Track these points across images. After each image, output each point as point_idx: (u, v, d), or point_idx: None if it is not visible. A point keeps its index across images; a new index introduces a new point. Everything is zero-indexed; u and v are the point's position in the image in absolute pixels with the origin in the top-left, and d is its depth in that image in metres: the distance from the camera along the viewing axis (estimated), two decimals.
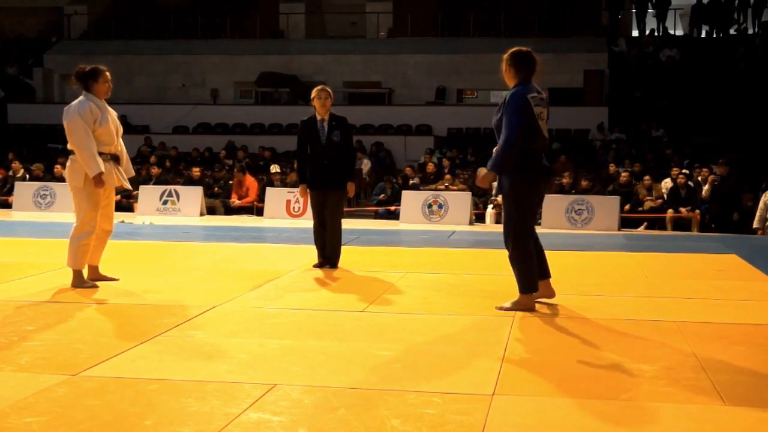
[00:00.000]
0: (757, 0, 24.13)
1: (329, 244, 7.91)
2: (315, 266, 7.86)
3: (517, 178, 5.64)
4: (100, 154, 6.45)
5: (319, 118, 7.85)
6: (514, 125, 5.55)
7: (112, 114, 6.65)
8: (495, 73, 21.69)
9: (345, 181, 7.88)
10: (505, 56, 5.86)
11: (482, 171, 5.87)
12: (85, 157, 6.37)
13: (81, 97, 6.52)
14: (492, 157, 5.70)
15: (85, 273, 6.73)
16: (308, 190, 7.95)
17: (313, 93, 7.90)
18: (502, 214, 5.80)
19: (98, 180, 6.40)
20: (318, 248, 7.95)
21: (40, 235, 10.67)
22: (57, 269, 7.52)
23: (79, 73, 6.54)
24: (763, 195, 13.47)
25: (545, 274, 6.03)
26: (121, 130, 6.73)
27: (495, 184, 5.91)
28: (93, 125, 6.43)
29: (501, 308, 5.86)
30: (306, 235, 10.80)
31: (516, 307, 5.83)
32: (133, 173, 7.05)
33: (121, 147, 6.75)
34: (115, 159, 6.66)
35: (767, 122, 20.02)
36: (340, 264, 7.93)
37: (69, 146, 6.52)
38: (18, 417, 3.57)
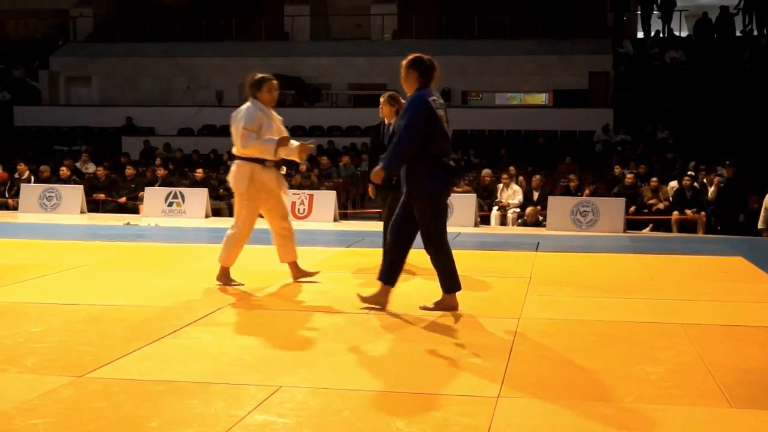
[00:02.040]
0: (763, 2, 24.07)
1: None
2: None
3: (430, 184, 5.69)
4: (265, 160, 6.59)
5: (386, 122, 8.16)
6: (413, 125, 5.63)
7: (278, 121, 6.76)
8: (500, 75, 21.78)
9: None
10: (404, 63, 5.89)
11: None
12: (258, 148, 6.52)
13: (248, 103, 6.66)
14: (386, 154, 5.76)
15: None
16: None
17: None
18: (417, 219, 5.81)
19: (281, 143, 6.54)
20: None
21: (46, 237, 10.69)
22: (63, 271, 7.54)
23: (248, 82, 6.73)
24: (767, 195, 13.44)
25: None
26: (285, 135, 6.80)
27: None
28: (258, 132, 6.56)
29: (425, 308, 5.90)
30: (310, 237, 10.81)
31: (439, 306, 5.88)
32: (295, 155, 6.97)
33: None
34: (278, 166, 6.78)
35: None
36: (343, 267, 7.94)
37: (234, 151, 6.69)
38: (24, 419, 3.58)
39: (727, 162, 15.21)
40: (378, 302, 5.89)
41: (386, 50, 25.16)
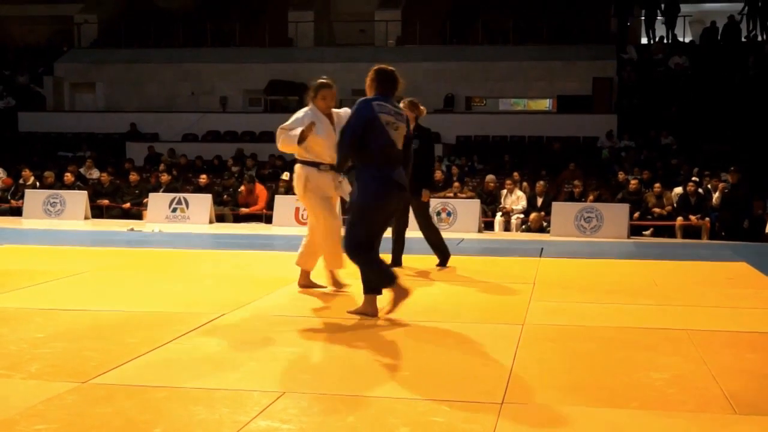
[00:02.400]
0: (765, 8, 24.03)
1: (434, 247, 8.51)
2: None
3: (367, 193, 5.63)
4: (320, 164, 6.63)
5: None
6: (349, 127, 5.68)
7: (338, 124, 6.66)
8: (504, 80, 21.81)
9: (421, 188, 8.31)
10: (370, 72, 5.93)
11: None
12: (284, 142, 6.61)
13: (307, 107, 6.76)
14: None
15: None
16: None
17: None
18: (346, 222, 5.81)
19: (307, 130, 6.49)
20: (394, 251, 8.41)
21: (50, 243, 10.70)
22: (67, 276, 7.55)
23: (311, 86, 6.83)
24: None
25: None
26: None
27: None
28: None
29: (352, 312, 5.86)
30: None
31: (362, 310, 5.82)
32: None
33: None
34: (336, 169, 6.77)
35: None
36: (348, 272, 7.94)
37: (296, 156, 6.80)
38: (28, 425, 3.58)
39: (732, 168, 15.18)
40: (366, 313, 5.83)
41: (390, 56, 25.13)
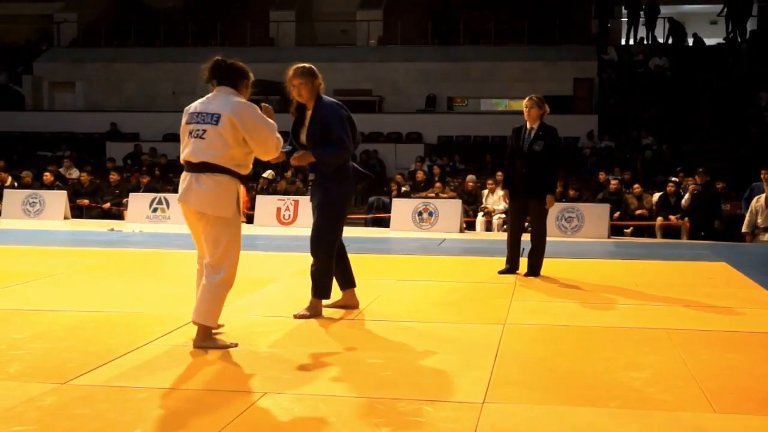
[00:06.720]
0: (743, 9, 24.18)
1: (531, 255, 8.02)
2: (500, 272, 7.99)
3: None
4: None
5: (528, 126, 7.90)
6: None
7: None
8: (485, 81, 21.75)
9: (544, 193, 7.84)
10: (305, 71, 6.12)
11: None
12: None
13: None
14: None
15: None
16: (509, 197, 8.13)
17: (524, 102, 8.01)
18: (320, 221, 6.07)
19: None
20: (508, 254, 8.07)
21: (30, 243, 10.62)
22: (47, 277, 7.49)
23: None
24: (754, 200, 13.43)
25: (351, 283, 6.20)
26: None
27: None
28: None
29: (299, 316, 5.85)
30: (296, 243, 10.76)
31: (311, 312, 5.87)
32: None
33: None
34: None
35: (754, 131, 20.09)
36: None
37: None
38: (6, 426, 3.55)
39: (700, 169, 15.18)
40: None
41: (372, 56, 25.15)
